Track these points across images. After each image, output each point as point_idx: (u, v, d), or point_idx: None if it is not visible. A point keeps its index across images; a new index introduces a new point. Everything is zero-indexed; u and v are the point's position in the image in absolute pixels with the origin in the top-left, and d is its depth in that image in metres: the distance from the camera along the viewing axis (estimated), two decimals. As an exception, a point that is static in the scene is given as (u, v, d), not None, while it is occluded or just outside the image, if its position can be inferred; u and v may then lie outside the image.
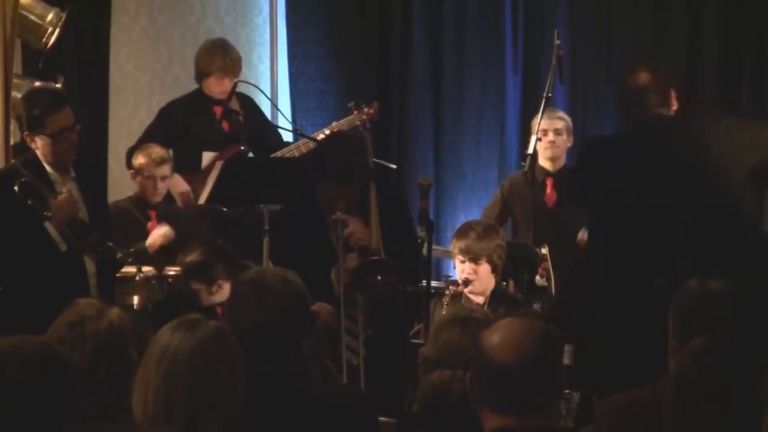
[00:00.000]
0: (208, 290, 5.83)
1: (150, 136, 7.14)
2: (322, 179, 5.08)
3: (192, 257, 5.89)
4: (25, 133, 5.41)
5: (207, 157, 6.95)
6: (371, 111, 6.99)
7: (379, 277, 5.02)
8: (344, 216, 5.04)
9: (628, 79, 4.91)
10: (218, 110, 7.10)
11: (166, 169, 6.85)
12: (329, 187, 5.05)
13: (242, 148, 6.84)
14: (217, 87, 7.08)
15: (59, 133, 5.34)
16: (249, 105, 7.26)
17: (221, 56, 7.09)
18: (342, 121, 6.92)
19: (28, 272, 5.29)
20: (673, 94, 4.86)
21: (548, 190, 7.01)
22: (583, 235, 6.67)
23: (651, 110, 4.82)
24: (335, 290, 5.07)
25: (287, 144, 7.12)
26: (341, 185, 5.04)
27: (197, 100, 7.17)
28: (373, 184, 5.16)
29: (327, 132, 6.74)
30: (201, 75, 7.15)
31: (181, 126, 7.11)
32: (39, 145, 5.37)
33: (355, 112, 6.95)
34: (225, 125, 7.05)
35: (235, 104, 7.12)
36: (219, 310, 5.70)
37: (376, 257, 5.01)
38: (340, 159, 5.08)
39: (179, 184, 7.01)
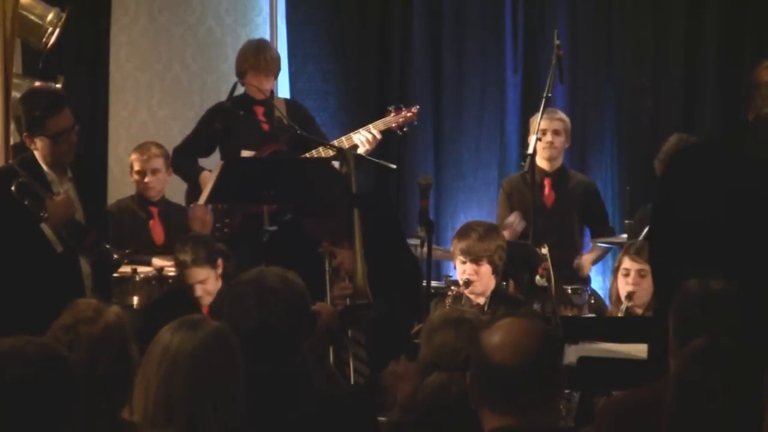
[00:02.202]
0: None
1: (194, 136, 7.16)
2: (302, 215, 5.09)
3: (182, 254, 5.95)
4: (24, 134, 5.39)
5: (245, 155, 6.91)
6: (409, 114, 6.87)
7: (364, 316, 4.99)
8: (331, 248, 5.02)
9: (752, 73, 4.53)
10: (260, 110, 7.09)
11: (155, 163, 6.88)
12: (311, 221, 5.06)
13: (281, 147, 6.82)
14: (252, 88, 7.05)
15: (59, 134, 5.33)
16: (295, 109, 7.23)
17: (254, 55, 7.07)
18: (378, 122, 6.82)
19: (23, 273, 5.27)
20: None
21: (546, 190, 7.01)
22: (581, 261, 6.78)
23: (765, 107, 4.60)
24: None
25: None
26: (321, 219, 5.04)
27: (241, 101, 7.16)
28: (357, 211, 5.03)
29: (361, 132, 6.69)
30: (238, 74, 7.15)
31: (224, 125, 7.10)
32: (38, 146, 5.36)
33: (393, 114, 6.86)
34: (265, 126, 7.04)
35: (280, 105, 7.10)
36: (205, 310, 5.75)
37: (361, 302, 4.96)
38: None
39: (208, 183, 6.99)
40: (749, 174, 4.45)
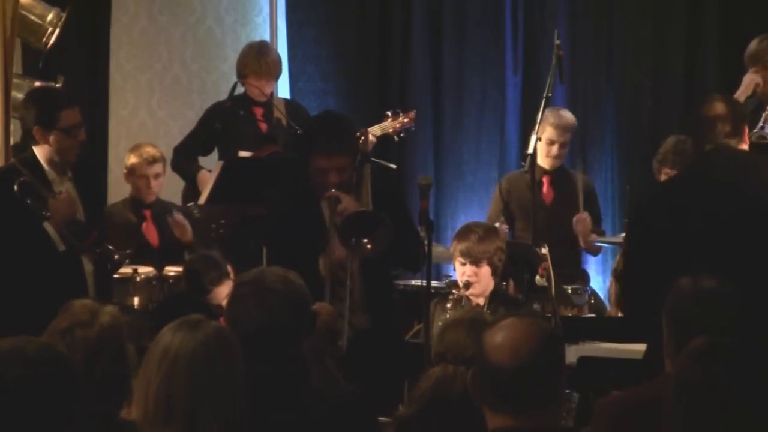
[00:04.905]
0: (208, 298, 5.86)
1: (194, 135, 7.16)
2: (312, 151, 5.10)
3: (188, 266, 5.95)
4: (36, 127, 5.37)
5: (242, 156, 6.91)
6: (406, 119, 6.87)
7: (367, 244, 5.01)
8: (337, 193, 5.05)
9: (702, 108, 4.78)
10: (259, 111, 7.09)
11: (158, 168, 6.88)
12: (320, 159, 5.07)
13: (278, 149, 6.83)
14: (254, 89, 7.06)
15: (71, 128, 5.36)
16: (295, 110, 7.23)
17: (256, 59, 7.08)
18: (375, 127, 6.82)
19: (26, 272, 5.29)
20: (746, 129, 4.81)
21: (545, 188, 7.02)
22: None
23: (719, 139, 4.73)
24: (322, 272, 5.09)
25: None
26: (331, 155, 5.05)
27: (240, 101, 7.15)
28: (368, 165, 5.20)
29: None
30: (239, 76, 7.15)
31: (223, 125, 7.10)
32: (50, 140, 5.36)
33: (390, 118, 6.85)
34: (263, 126, 7.04)
35: (280, 106, 7.09)
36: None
37: (365, 209, 5.02)
38: (328, 129, 5.13)
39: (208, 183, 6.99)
40: (714, 198, 4.54)
